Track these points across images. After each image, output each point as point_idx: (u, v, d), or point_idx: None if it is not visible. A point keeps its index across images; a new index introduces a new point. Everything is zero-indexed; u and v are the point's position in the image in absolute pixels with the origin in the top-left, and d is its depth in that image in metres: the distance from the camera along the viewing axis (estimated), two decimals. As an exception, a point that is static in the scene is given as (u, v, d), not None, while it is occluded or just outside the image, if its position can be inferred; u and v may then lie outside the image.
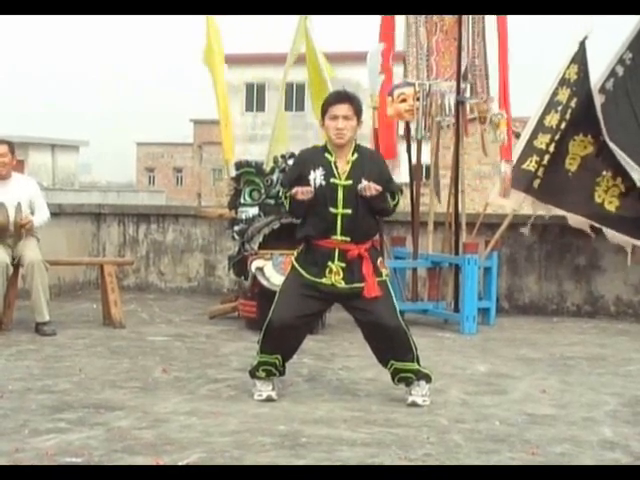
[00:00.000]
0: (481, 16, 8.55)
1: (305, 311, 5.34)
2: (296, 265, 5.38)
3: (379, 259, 5.41)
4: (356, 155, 5.36)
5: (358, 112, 5.36)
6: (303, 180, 5.30)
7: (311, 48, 8.94)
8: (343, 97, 5.36)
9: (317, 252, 5.31)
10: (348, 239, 5.28)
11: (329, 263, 5.28)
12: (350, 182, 5.28)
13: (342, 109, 5.29)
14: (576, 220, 8.94)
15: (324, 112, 5.35)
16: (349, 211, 5.27)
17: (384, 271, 5.39)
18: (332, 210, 5.26)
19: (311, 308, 5.38)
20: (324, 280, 5.29)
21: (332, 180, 5.29)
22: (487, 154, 8.95)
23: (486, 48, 8.62)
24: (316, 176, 5.29)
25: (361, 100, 5.46)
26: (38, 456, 4.18)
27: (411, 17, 8.59)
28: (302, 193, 5.23)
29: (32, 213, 7.64)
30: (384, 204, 5.35)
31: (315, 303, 5.38)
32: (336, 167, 5.32)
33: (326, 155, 5.35)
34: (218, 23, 9.22)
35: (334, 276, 5.28)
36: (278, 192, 6.85)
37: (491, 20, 8.51)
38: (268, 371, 5.40)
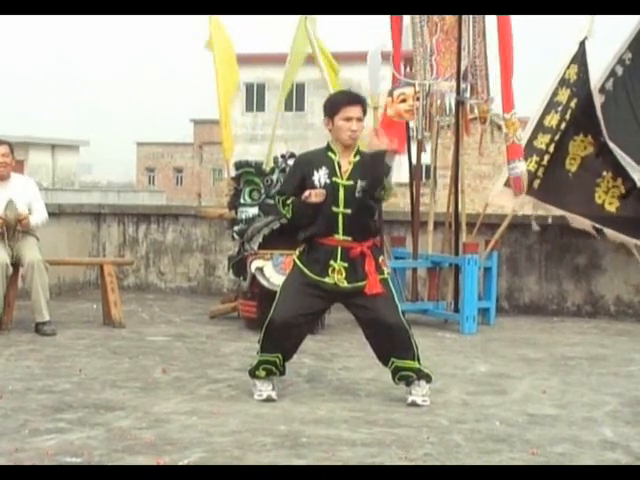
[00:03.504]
0: (482, 16, 8.53)
1: (307, 309, 5.35)
2: (298, 263, 5.38)
3: (380, 257, 5.42)
4: (358, 157, 5.38)
5: (366, 113, 5.43)
6: (307, 182, 5.31)
7: (313, 48, 8.94)
8: (356, 99, 5.39)
9: (319, 250, 5.32)
10: (349, 239, 5.30)
11: (331, 262, 5.29)
12: (351, 182, 5.31)
13: (356, 111, 5.32)
14: (577, 221, 8.93)
15: (335, 111, 5.34)
16: (349, 211, 5.29)
17: (385, 269, 5.40)
18: (334, 209, 5.28)
19: (313, 306, 5.39)
20: (327, 279, 5.29)
21: (334, 179, 5.31)
22: (483, 154, 8.94)
23: (487, 48, 8.62)
24: (320, 176, 5.31)
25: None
26: (38, 456, 4.19)
27: (416, 17, 8.58)
28: (315, 195, 5.23)
29: (30, 213, 7.64)
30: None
31: (317, 301, 5.38)
32: (339, 166, 5.33)
33: (329, 154, 5.37)
34: (222, 22, 9.21)
35: (337, 275, 5.29)
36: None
37: (492, 20, 8.48)
38: (268, 370, 5.40)
